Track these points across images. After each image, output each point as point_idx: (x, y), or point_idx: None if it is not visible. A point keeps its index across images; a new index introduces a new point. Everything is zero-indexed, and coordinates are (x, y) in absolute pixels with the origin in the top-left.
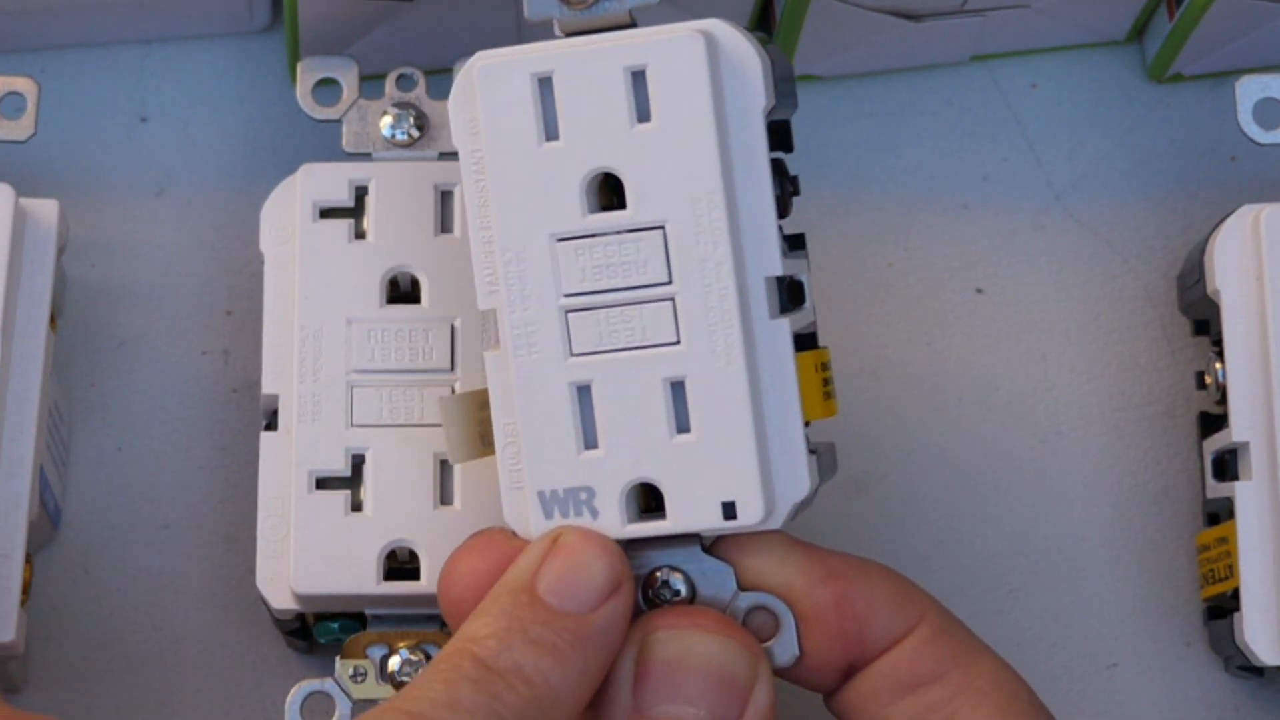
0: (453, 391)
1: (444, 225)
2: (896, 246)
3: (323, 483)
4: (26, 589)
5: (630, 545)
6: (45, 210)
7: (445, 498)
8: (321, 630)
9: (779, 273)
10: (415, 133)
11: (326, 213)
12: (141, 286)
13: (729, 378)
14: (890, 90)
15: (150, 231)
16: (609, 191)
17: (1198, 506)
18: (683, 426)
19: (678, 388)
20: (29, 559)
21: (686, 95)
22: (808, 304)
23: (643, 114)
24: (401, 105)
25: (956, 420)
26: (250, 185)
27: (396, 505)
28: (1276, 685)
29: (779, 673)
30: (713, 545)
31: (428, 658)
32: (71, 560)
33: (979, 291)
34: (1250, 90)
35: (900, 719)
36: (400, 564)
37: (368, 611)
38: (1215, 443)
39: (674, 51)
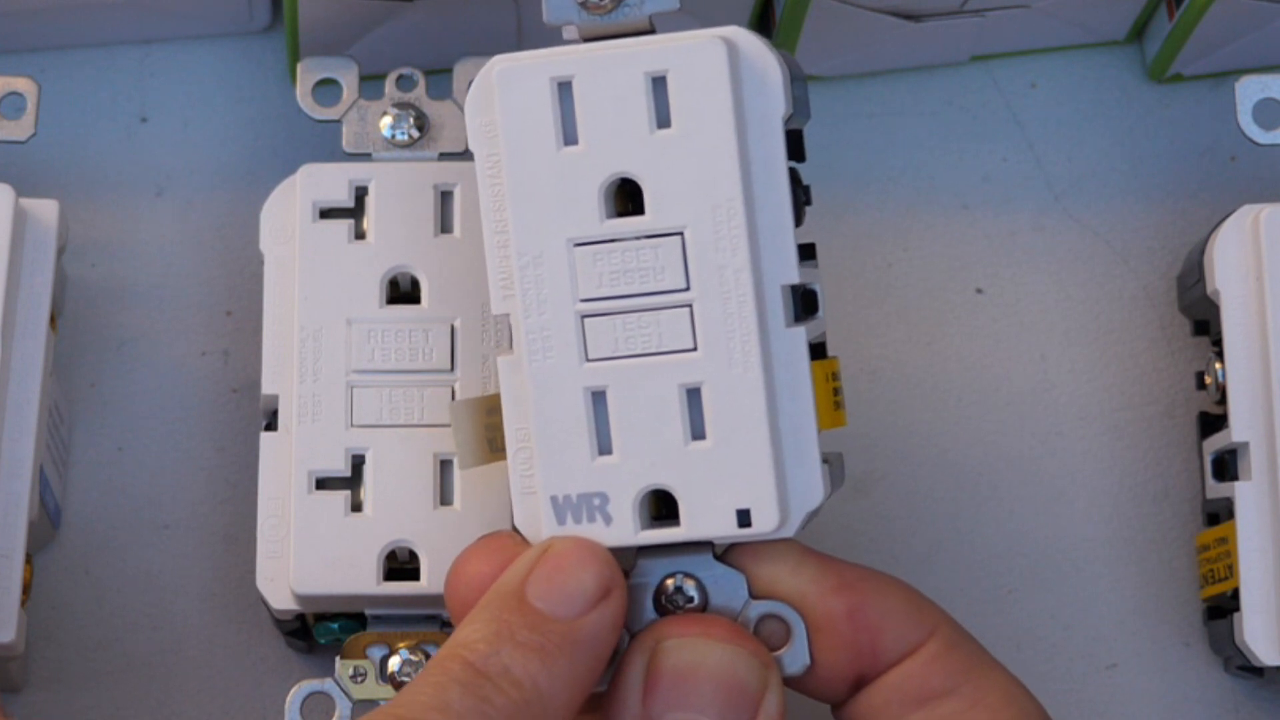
0: (453, 392)
1: (444, 225)
2: (896, 247)
3: (323, 483)
4: (26, 589)
5: (642, 552)
6: (45, 210)
7: (445, 498)
8: (321, 630)
9: (796, 281)
10: (415, 133)
11: (326, 213)
12: (141, 286)
13: (746, 385)
14: (890, 90)
15: (150, 231)
16: (626, 197)
17: (1198, 506)
18: (698, 433)
19: (694, 394)
20: (29, 559)
21: (707, 102)
22: (820, 313)
23: (663, 120)
24: (401, 105)
25: (956, 420)
26: (250, 185)
27: (396, 505)
28: (1276, 685)
29: (789, 682)
30: (725, 553)
31: (428, 658)
32: (71, 560)
33: (979, 291)
34: (1250, 90)
35: None
36: (400, 564)
37: (368, 612)
38: (1215, 443)
39: (696, 58)
